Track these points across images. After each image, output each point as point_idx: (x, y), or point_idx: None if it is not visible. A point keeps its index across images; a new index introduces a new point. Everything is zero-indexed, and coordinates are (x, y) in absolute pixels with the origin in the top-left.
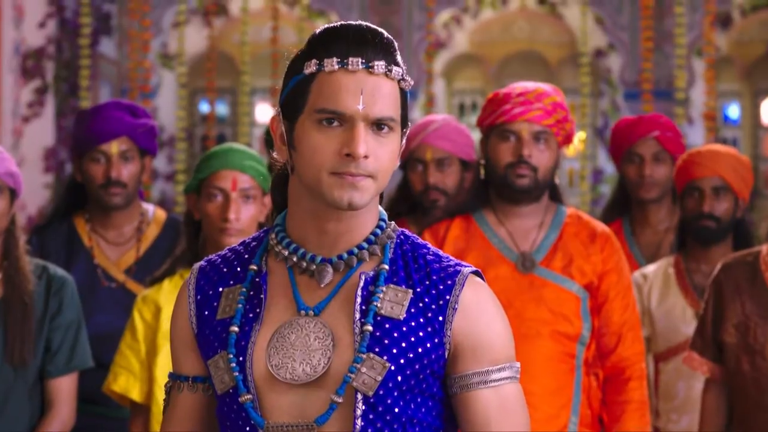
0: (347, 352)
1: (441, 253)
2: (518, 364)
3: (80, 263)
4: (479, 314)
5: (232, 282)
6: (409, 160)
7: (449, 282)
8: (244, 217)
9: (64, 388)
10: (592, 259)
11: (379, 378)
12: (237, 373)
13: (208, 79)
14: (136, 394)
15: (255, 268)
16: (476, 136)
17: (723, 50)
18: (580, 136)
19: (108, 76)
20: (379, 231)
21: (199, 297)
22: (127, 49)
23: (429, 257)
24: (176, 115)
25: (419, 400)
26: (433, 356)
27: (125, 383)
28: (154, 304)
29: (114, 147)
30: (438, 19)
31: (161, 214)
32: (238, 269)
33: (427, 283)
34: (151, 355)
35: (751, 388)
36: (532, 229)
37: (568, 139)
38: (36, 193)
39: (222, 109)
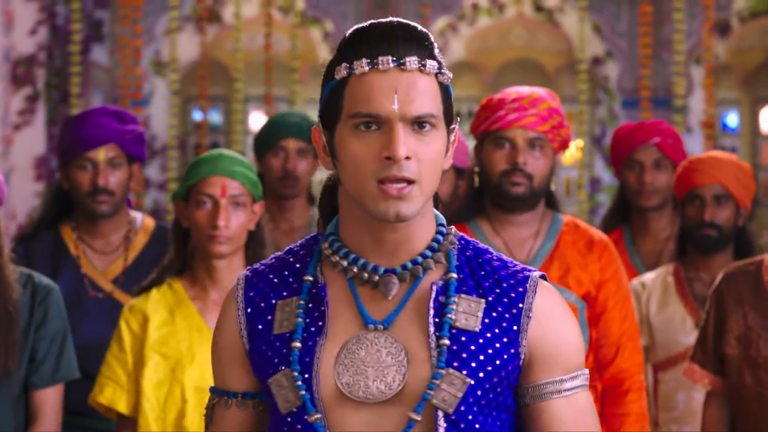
0: (424, 368)
1: (504, 257)
2: (587, 371)
3: (67, 272)
4: (552, 321)
5: (285, 293)
6: None
7: (520, 289)
8: (234, 224)
9: (50, 400)
10: (589, 269)
11: (460, 394)
12: (304, 392)
13: (200, 87)
14: (122, 406)
15: (311, 278)
16: (471, 143)
17: (722, 58)
18: (577, 144)
19: (100, 83)
20: (440, 237)
21: (249, 310)
22: (119, 56)
23: (495, 263)
24: (168, 123)
25: (495, 413)
26: (509, 367)
27: (111, 395)
28: (142, 315)
29: (101, 154)
30: (434, 26)
31: (150, 223)
32: (290, 280)
33: (498, 291)
34: (138, 367)
35: (754, 402)
36: (528, 238)
37: (564, 145)
38: (26, 201)
39: (215, 117)
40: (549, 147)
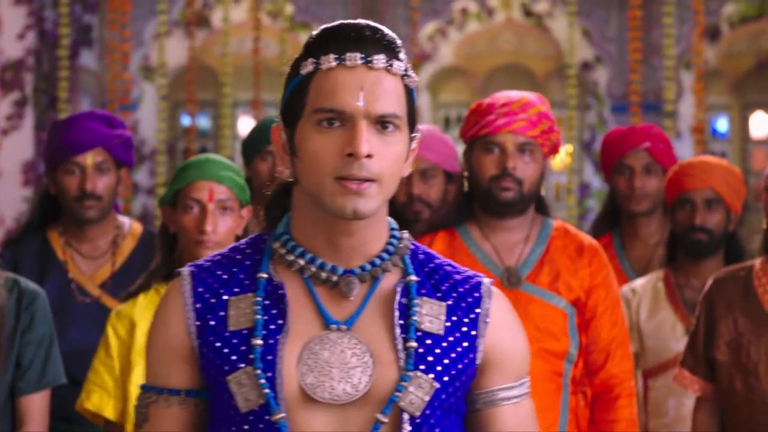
0: (390, 370)
1: (453, 262)
2: (529, 378)
3: (54, 277)
4: (507, 328)
5: (237, 290)
6: None
7: (476, 294)
8: (221, 229)
9: (36, 406)
10: (579, 274)
11: (427, 398)
12: (267, 390)
13: (189, 91)
14: (109, 412)
15: (266, 276)
16: (461, 148)
17: (711, 63)
18: (567, 149)
19: (88, 88)
20: (395, 241)
21: (199, 305)
22: (107, 61)
23: (447, 267)
24: (157, 127)
25: (453, 417)
26: (469, 372)
27: (99, 401)
28: (129, 320)
29: (89, 159)
30: (423, 31)
31: (137, 228)
32: (241, 276)
33: (455, 295)
34: (125, 372)
35: (744, 408)
36: (517, 243)
37: (554, 150)
38: (14, 206)
39: (204, 122)
40: (539, 152)
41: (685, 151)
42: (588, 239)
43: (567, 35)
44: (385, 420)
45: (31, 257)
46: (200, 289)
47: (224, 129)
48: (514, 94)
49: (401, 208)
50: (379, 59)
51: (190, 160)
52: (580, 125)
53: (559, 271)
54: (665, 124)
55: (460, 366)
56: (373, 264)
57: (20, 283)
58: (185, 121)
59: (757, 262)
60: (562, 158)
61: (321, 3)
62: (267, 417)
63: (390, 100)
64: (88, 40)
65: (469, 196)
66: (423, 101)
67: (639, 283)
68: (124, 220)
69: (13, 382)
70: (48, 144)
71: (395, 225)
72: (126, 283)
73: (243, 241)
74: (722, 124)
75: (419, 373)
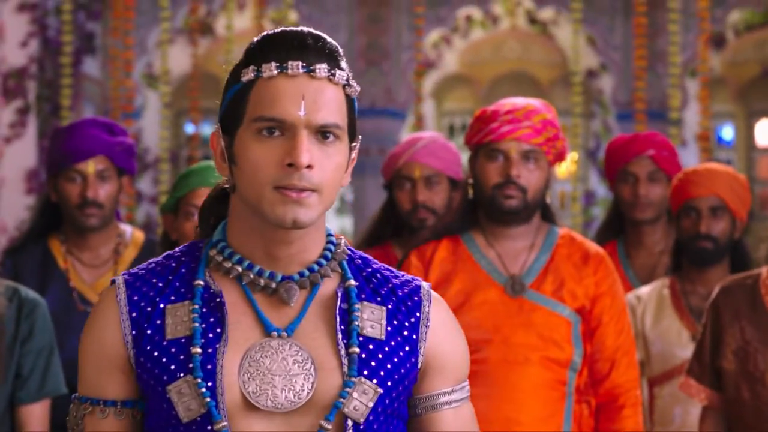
0: (333, 376)
1: (389, 267)
2: (468, 382)
3: (55, 286)
4: (447, 331)
5: (173, 298)
6: (395, 178)
7: (416, 298)
8: None
9: (36, 416)
10: (584, 282)
11: (371, 404)
12: (209, 399)
13: (192, 99)
14: None
15: (202, 283)
16: (465, 156)
17: (716, 71)
18: (572, 157)
19: (91, 96)
20: (332, 247)
21: (134, 314)
22: (110, 68)
23: (384, 272)
24: (160, 135)
25: (395, 422)
26: (411, 376)
27: None
28: None
29: (90, 166)
30: (427, 38)
31: (139, 236)
32: (177, 284)
33: (394, 299)
34: None
35: (751, 417)
36: (522, 251)
37: (560, 157)
38: (17, 214)
39: (208, 130)
40: (544, 159)
41: (690, 159)
42: (594, 247)
43: (572, 43)
44: (329, 427)
45: (32, 266)
46: (135, 298)
47: None
48: (519, 101)
49: (406, 216)
50: (322, 68)
51: (192, 167)
52: (585, 133)
53: (564, 279)
54: (670, 131)
55: (402, 371)
56: (311, 270)
57: (20, 292)
58: (189, 129)
59: (764, 270)
60: (567, 166)
61: (325, 10)
62: (209, 426)
63: (331, 109)
64: (91, 47)
65: (474, 204)
66: (427, 109)
67: (644, 290)
68: (126, 228)
69: (13, 392)
70: (49, 151)
71: (331, 231)
72: None
73: (177, 249)
74: (728, 132)
75: (363, 379)
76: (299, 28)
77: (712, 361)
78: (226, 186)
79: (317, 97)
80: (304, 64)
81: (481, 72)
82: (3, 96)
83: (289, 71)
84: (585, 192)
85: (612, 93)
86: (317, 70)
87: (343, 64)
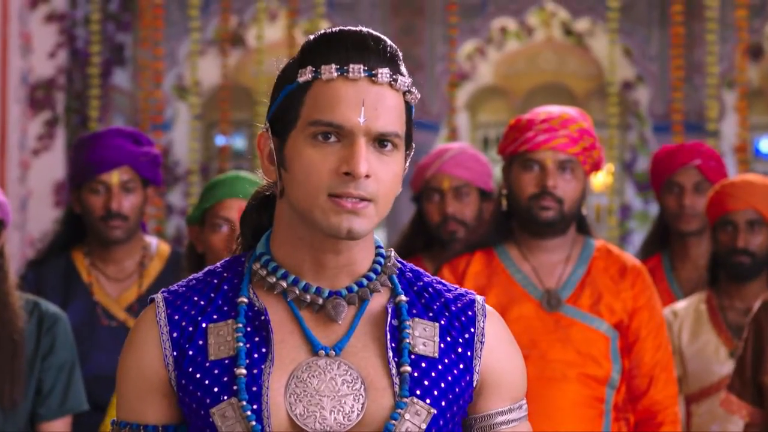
0: (384, 396)
1: (442, 280)
2: (525, 400)
3: (78, 300)
4: (503, 347)
5: (216, 317)
6: (424, 190)
7: (470, 313)
8: None
9: None
10: (622, 296)
11: (424, 426)
12: (254, 423)
13: (223, 111)
14: None
15: (246, 300)
16: (498, 167)
17: (754, 82)
18: (609, 169)
19: (121, 108)
20: (381, 260)
21: (175, 334)
22: (140, 80)
23: (437, 285)
24: (191, 147)
25: None
26: (466, 396)
27: None
28: None
29: (114, 177)
30: (461, 50)
31: (165, 248)
32: (219, 302)
33: (447, 314)
34: None
35: None
36: (558, 264)
37: (596, 167)
38: (45, 227)
39: (238, 142)
40: (580, 169)
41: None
42: (631, 260)
43: (608, 54)
44: None
45: (55, 279)
46: (176, 317)
47: None
48: (554, 110)
49: (436, 228)
50: (384, 73)
51: (218, 177)
52: (621, 145)
53: (601, 293)
54: (708, 143)
55: (456, 389)
56: (360, 285)
57: (41, 306)
58: (219, 141)
59: None
60: (603, 179)
61: (357, 21)
62: None
63: (392, 117)
64: (120, 58)
65: (508, 215)
66: (461, 121)
67: (681, 305)
68: (152, 241)
69: (34, 409)
70: (73, 162)
71: (381, 243)
72: None
73: (219, 263)
74: (765, 145)
75: (415, 399)
76: (358, 29)
77: (754, 377)
78: (267, 193)
79: (378, 103)
80: (366, 68)
81: (516, 84)
82: (31, 108)
83: (350, 75)
84: (621, 205)
85: (648, 104)
86: (379, 75)
87: (404, 69)
